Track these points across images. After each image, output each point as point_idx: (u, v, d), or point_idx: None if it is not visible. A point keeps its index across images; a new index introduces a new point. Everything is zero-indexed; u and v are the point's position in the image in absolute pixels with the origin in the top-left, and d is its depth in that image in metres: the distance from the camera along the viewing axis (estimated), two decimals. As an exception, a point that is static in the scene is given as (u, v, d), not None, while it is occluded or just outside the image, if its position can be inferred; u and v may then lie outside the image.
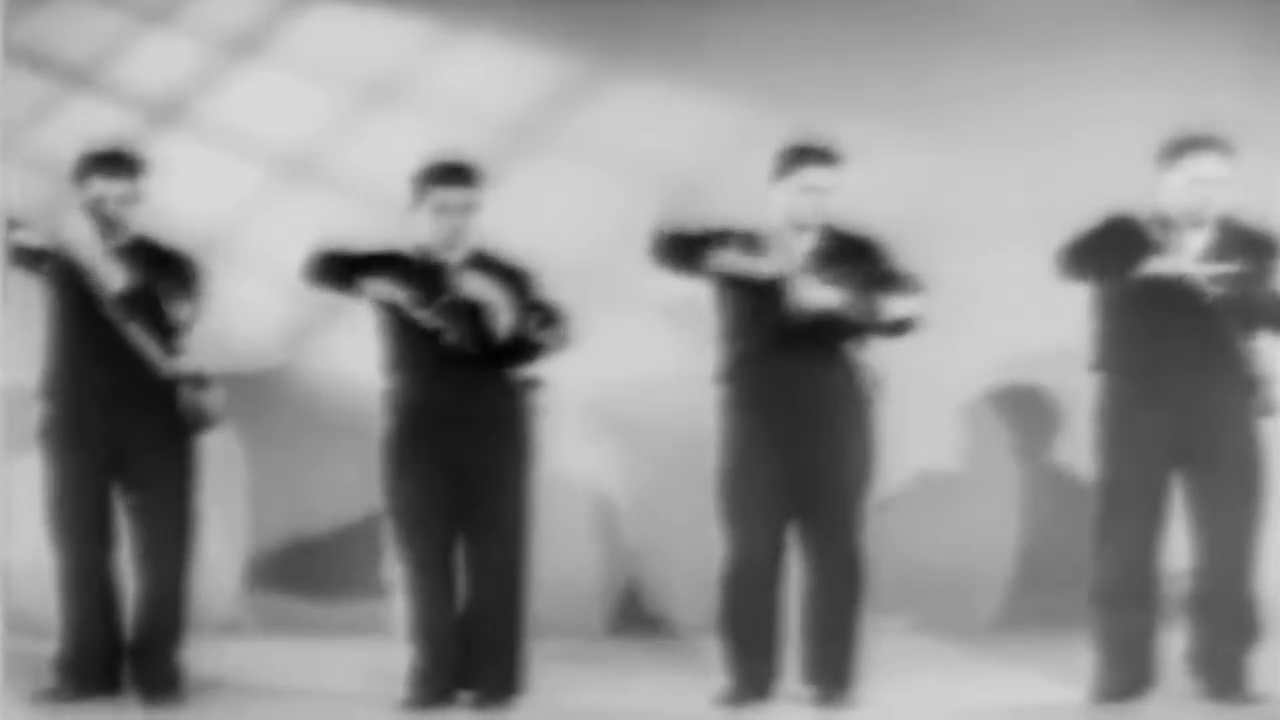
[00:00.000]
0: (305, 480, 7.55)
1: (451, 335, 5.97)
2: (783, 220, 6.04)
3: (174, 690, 6.17)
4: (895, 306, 5.96)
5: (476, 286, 6.02)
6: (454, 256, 6.09)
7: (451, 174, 6.07)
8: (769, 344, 5.99)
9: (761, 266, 5.95)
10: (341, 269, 6.05)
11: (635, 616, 7.57)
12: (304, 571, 7.62)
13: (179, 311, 6.16)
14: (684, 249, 6.03)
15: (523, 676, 6.13)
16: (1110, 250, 5.97)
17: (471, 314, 6.01)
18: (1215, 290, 5.90)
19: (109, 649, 6.20)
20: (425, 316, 5.99)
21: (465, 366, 6.01)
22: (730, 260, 5.98)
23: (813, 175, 6.01)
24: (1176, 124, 6.00)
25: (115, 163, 6.15)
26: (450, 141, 6.26)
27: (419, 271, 6.02)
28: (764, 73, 7.53)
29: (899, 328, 6.00)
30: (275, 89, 7.74)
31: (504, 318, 6.02)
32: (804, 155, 6.01)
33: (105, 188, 6.12)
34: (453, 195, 6.06)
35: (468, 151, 6.19)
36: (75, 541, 6.15)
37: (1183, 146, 5.98)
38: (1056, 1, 7.62)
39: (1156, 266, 5.92)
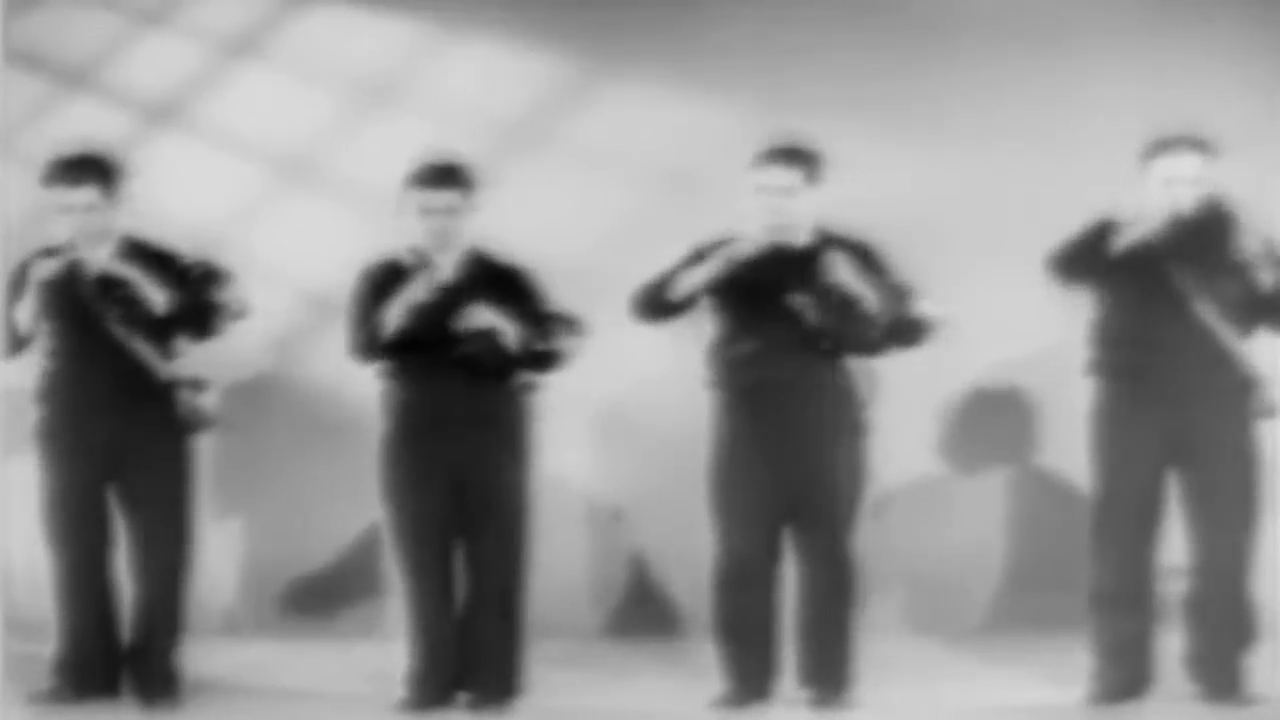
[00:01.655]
0: (303, 483, 7.55)
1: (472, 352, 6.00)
2: (756, 221, 6.03)
3: (172, 692, 6.17)
4: (923, 308, 5.97)
5: (481, 318, 6.00)
6: (446, 258, 6.08)
7: (434, 176, 6.03)
8: (764, 346, 5.99)
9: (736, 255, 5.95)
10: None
11: (633, 618, 7.57)
12: (302, 574, 7.63)
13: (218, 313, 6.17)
14: (657, 304, 6.03)
15: (521, 678, 6.13)
16: (1100, 251, 5.97)
17: (483, 337, 6.02)
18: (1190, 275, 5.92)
19: (107, 651, 6.20)
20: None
21: (462, 368, 6.02)
22: (704, 273, 5.98)
23: (773, 175, 5.99)
24: (1168, 124, 6.00)
25: (76, 169, 6.04)
26: (448, 142, 6.25)
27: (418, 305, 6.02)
28: (761, 73, 7.53)
29: (914, 333, 6.01)
30: (273, 90, 7.74)
31: (511, 337, 6.01)
32: (766, 156, 5.99)
33: (68, 197, 6.03)
34: (436, 198, 6.02)
35: (465, 152, 6.18)
36: (72, 544, 6.15)
37: (1158, 147, 5.99)
38: (1051, 2, 7.61)
39: (1127, 236, 5.92)
